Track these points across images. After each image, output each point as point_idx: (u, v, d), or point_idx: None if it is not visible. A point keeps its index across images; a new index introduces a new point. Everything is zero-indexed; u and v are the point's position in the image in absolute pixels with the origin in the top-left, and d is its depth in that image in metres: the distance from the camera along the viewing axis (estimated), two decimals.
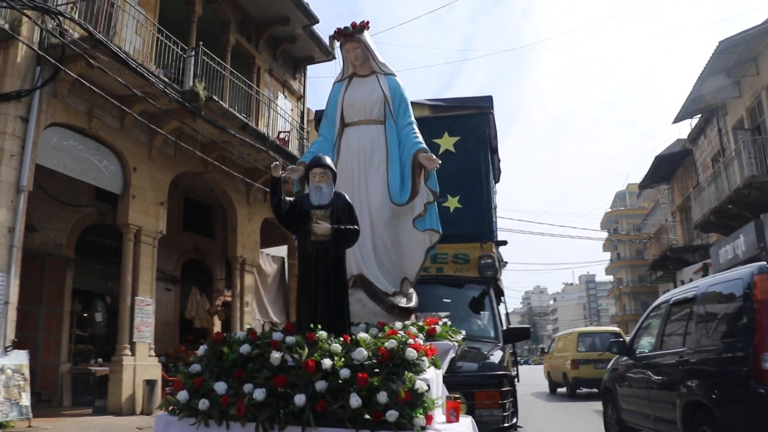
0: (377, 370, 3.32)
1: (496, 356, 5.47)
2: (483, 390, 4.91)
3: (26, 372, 9.77)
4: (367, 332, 3.91)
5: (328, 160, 4.24)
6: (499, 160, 9.68)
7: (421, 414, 3.15)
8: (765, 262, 5.20)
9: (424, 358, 3.49)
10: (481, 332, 6.42)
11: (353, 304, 4.33)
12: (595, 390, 15.77)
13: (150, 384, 12.07)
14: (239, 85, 15.20)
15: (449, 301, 7.10)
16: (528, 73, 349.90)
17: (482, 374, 5.03)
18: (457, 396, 3.71)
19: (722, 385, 5.08)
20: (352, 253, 4.43)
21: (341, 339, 3.55)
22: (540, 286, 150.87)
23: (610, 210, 66.08)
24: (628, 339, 8.35)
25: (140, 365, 12.14)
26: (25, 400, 9.62)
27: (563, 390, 19.30)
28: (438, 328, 4.42)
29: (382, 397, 3.16)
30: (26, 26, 10.05)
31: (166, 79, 11.89)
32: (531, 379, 24.43)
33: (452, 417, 3.60)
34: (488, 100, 8.02)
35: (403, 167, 4.96)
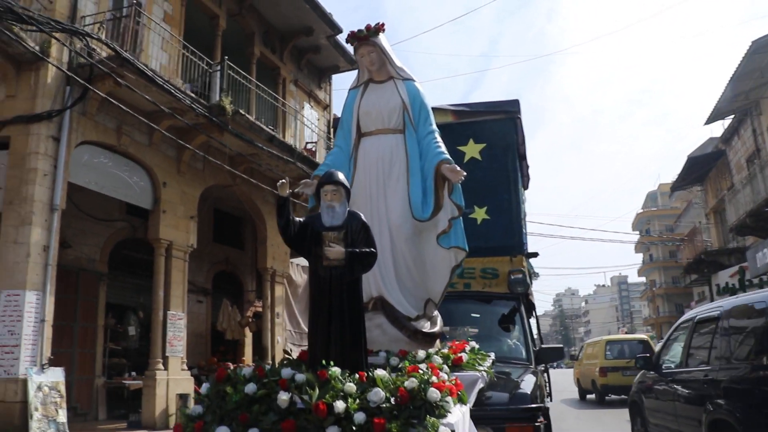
0: (396, 413, 3.02)
1: (528, 384, 5.04)
2: (515, 425, 4.50)
3: (62, 389, 9.89)
4: (387, 361, 3.74)
5: (341, 176, 3.87)
6: (527, 167, 9.21)
7: None
8: None
9: (449, 398, 3.19)
10: (511, 353, 6.13)
11: (372, 330, 4.09)
12: (624, 397, 15.74)
13: (183, 398, 12.15)
14: (265, 97, 15.28)
15: (477, 318, 6.80)
16: (553, 74, 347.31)
17: (514, 407, 4.59)
18: None
19: (748, 404, 5.00)
20: (371, 273, 4.07)
21: (356, 376, 3.22)
22: (571, 288, 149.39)
23: (642, 211, 65.12)
24: (657, 346, 8.24)
25: (173, 379, 12.22)
26: (62, 416, 9.74)
27: (592, 396, 19.21)
28: (465, 357, 4.14)
29: None
30: (55, 47, 10.20)
31: (192, 95, 11.99)
32: (561, 384, 24.20)
33: None
34: (515, 104, 7.61)
35: (424, 179, 4.63)
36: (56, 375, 9.89)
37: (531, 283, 7.76)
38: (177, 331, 12.62)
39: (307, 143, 17.20)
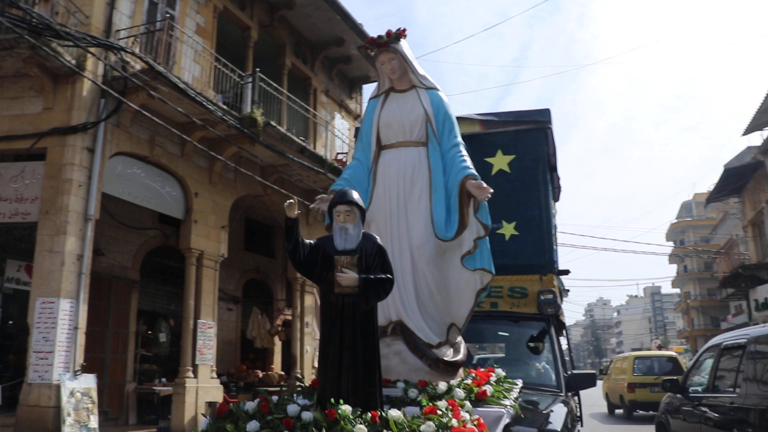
0: None
1: (558, 416, 4.62)
2: None
3: (94, 395, 10.08)
4: (405, 393, 3.50)
5: (355, 196, 3.57)
6: (558, 178, 8.74)
7: None
8: None
9: None
10: (540, 379, 5.82)
11: (391, 357, 3.87)
12: (652, 413, 15.62)
13: (212, 406, 12.27)
14: (296, 108, 15.42)
15: (504, 339, 6.56)
16: (585, 80, 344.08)
17: None
18: None
19: None
20: (390, 295, 3.72)
21: (368, 416, 2.97)
22: (603, 298, 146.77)
23: (676, 221, 64.02)
24: (690, 361, 8.14)
25: (202, 387, 12.37)
26: (93, 422, 9.91)
27: (621, 411, 19.11)
28: (489, 390, 3.84)
29: None
30: (91, 61, 10.43)
31: (224, 106, 12.16)
32: (591, 398, 23.87)
33: None
34: (546, 113, 7.18)
35: (448, 196, 4.32)
36: (88, 381, 10.08)
37: (561, 302, 7.32)
38: (207, 340, 12.78)
39: (337, 154, 17.32)
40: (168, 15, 12.16)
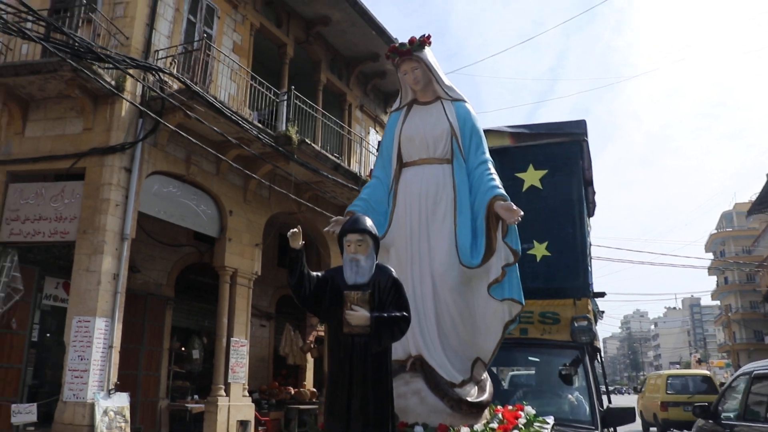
0: None
1: None
2: None
3: (127, 414, 10.12)
4: None
5: (367, 223, 3.24)
6: (593, 193, 8.19)
7: None
8: None
9: None
10: (573, 413, 5.46)
11: (409, 397, 3.57)
12: None
13: (243, 425, 12.27)
14: (331, 125, 15.42)
15: (534, 369, 6.19)
16: (621, 89, 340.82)
17: None
18: None
19: None
20: (409, 328, 3.39)
21: None
22: (640, 310, 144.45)
23: (716, 231, 62.65)
24: (728, 375, 7.91)
25: (234, 405, 12.35)
26: None
27: (655, 430, 18.87)
28: None
29: None
30: (129, 82, 10.53)
31: (259, 125, 12.18)
32: None
33: None
34: (581, 125, 6.70)
35: (475, 218, 3.99)
36: (122, 400, 10.13)
37: (596, 324, 6.98)
38: (239, 358, 12.77)
39: (371, 170, 17.23)
40: (205, 34, 12.23)
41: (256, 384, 15.23)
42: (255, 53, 14.02)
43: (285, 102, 13.34)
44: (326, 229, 4.02)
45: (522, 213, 3.79)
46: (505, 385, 7.26)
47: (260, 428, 13.35)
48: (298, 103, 13.62)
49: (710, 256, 58.48)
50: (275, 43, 14.93)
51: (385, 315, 3.03)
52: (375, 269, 3.16)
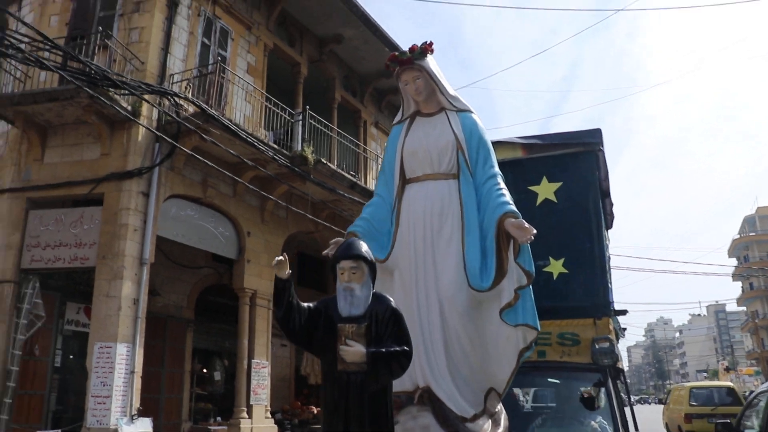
0: None
1: None
2: None
3: None
4: None
5: (362, 248, 3.01)
6: (611, 204, 7.83)
7: None
8: None
9: None
10: None
11: None
12: None
13: None
14: (346, 144, 15.43)
15: (554, 394, 5.93)
16: (637, 94, 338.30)
17: None
18: None
19: None
20: (416, 356, 3.21)
21: None
22: (663, 317, 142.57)
23: (739, 236, 61.85)
24: (761, 386, 7.77)
25: (257, 427, 12.29)
26: None
27: None
28: None
29: None
30: (145, 107, 10.59)
31: (275, 146, 12.20)
32: (650, 423, 23.05)
33: None
34: (596, 134, 6.35)
35: (484, 238, 3.74)
36: (144, 425, 10.10)
37: (618, 342, 6.57)
38: (261, 380, 12.71)
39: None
40: (219, 57, 12.29)
41: (279, 404, 15.15)
42: (269, 73, 14.07)
43: (300, 122, 13.36)
44: (325, 252, 3.78)
45: (535, 231, 3.53)
46: (525, 407, 7.04)
47: None
48: (314, 123, 13.64)
49: (734, 261, 57.83)
50: (289, 62, 14.99)
51: (383, 350, 2.76)
52: (372, 299, 2.91)
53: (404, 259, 3.82)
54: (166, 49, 11.26)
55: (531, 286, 3.72)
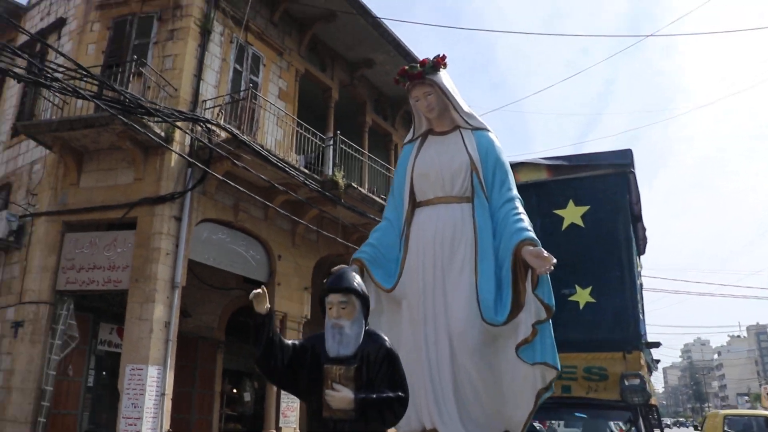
0: None
1: None
2: None
3: None
4: None
5: (354, 280, 2.69)
6: (643, 229, 7.42)
7: None
8: None
9: None
10: None
11: None
12: None
13: None
14: (377, 168, 15.50)
15: (581, 430, 5.64)
16: (674, 114, 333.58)
17: None
18: None
19: None
20: (422, 396, 3.02)
21: None
22: (701, 338, 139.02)
23: None
24: None
25: None
26: None
27: None
28: None
29: None
30: (178, 133, 10.80)
31: (305, 170, 12.30)
32: None
33: None
34: (627, 155, 6.02)
35: (499, 267, 3.46)
36: None
37: (650, 376, 6.25)
38: (290, 402, 12.74)
39: None
40: (251, 83, 12.49)
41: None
42: (300, 98, 14.24)
43: (331, 146, 13.48)
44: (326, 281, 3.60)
45: (555, 261, 3.25)
46: None
47: None
48: (344, 147, 13.74)
49: None
50: (320, 87, 15.15)
51: (374, 396, 2.46)
52: (363, 337, 2.61)
53: (412, 289, 3.58)
54: (198, 76, 11.48)
55: (551, 321, 3.45)
